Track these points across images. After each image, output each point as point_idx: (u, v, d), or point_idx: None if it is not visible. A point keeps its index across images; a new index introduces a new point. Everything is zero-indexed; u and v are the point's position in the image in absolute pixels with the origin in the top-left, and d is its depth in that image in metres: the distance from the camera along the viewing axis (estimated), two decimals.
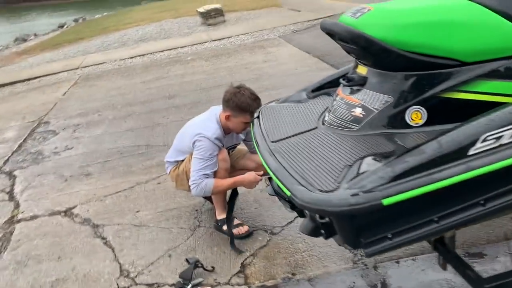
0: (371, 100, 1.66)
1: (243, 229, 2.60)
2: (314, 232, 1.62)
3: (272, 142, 1.81)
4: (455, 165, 1.30)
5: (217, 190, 2.47)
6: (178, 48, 9.08)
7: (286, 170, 1.54)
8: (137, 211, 3.08)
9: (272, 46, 7.70)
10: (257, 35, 9.03)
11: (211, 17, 11.24)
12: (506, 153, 1.30)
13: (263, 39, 8.59)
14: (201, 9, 11.47)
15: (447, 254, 1.70)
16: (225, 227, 2.62)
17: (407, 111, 1.59)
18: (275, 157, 1.67)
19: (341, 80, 1.83)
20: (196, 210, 2.98)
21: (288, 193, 1.44)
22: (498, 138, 1.33)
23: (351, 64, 2.22)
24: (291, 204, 1.86)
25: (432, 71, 1.56)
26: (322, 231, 1.59)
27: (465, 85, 1.54)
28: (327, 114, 1.83)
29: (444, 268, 1.78)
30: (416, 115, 1.59)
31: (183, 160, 2.65)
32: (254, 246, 2.51)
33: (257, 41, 8.44)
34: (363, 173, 1.37)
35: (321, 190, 1.37)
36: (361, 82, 1.71)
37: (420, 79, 1.57)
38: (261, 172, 2.44)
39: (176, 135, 2.76)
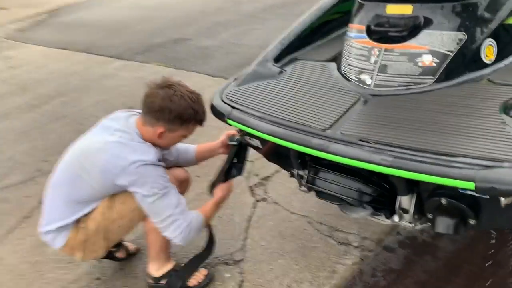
0: (441, 42, 1.31)
1: (201, 274, 1.86)
2: (457, 227, 1.20)
3: (342, 133, 1.25)
4: None
5: (205, 223, 1.76)
6: None
7: (426, 156, 1.06)
8: None
9: (7, 50, 6.05)
10: None
11: None
12: None
13: None
14: None
15: None
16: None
17: (482, 47, 1.33)
18: (378, 149, 1.15)
19: (374, 28, 1.39)
20: (97, 279, 1.98)
21: (470, 186, 0.99)
22: None
23: (297, 25, 1.73)
24: (373, 205, 1.35)
25: None
26: (472, 221, 1.19)
27: None
28: (366, 77, 1.37)
29: None
30: (489, 50, 1.35)
31: (87, 214, 1.67)
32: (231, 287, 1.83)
33: None
34: None
35: None
36: (414, 24, 1.33)
37: (488, 5, 1.33)
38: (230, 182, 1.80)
39: (53, 183, 1.69)
